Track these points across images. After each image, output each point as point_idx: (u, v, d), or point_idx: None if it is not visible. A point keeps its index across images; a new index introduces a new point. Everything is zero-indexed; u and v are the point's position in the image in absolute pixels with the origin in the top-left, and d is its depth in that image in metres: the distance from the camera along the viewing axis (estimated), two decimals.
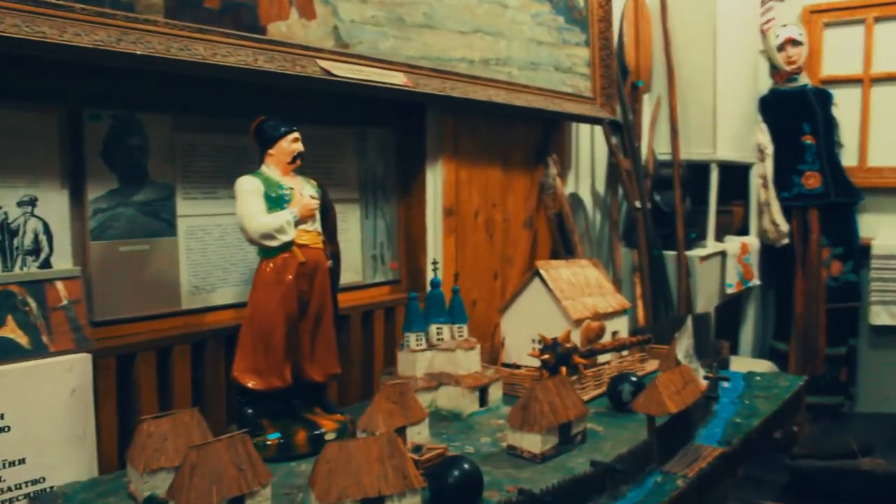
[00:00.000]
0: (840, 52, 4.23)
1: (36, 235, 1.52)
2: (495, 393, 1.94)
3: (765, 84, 4.07)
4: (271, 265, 1.59)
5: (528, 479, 1.43)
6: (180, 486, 1.19)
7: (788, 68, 4.00)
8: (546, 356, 1.96)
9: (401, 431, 1.55)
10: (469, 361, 1.91)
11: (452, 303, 2.00)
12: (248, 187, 1.58)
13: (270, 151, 1.64)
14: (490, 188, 2.60)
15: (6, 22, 1.28)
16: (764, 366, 3.39)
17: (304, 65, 1.78)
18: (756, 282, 3.82)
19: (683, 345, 1.99)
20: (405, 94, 2.08)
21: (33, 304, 1.48)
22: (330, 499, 1.19)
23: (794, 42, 3.98)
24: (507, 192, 2.68)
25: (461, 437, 1.71)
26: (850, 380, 4.06)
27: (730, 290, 3.50)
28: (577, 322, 2.16)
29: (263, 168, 1.64)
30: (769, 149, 3.95)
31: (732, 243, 3.60)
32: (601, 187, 3.31)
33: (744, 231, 3.90)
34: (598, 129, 3.15)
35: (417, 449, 1.47)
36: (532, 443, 1.55)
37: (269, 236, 1.56)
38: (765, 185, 3.93)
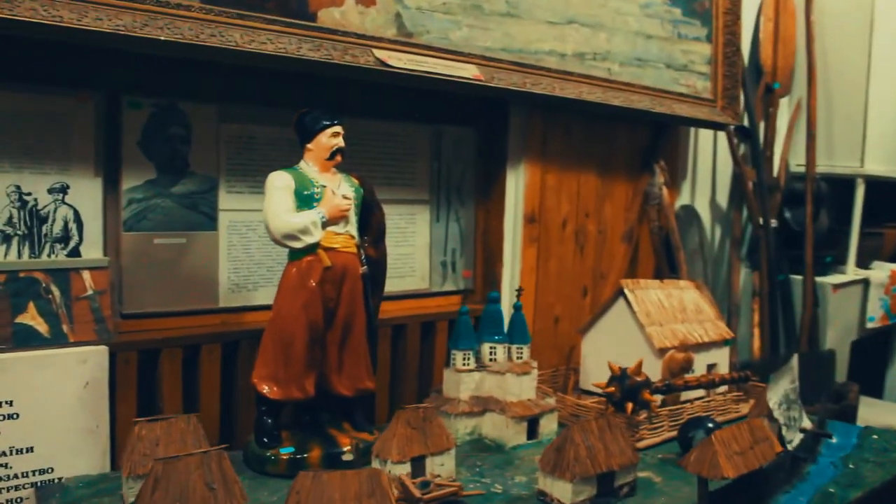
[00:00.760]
0: None
1: (66, 223, 1.50)
2: (548, 424, 1.73)
3: None
4: (295, 269, 1.49)
5: None
6: (141, 502, 1.10)
7: None
8: (611, 388, 1.73)
9: (420, 461, 1.39)
10: (521, 387, 1.71)
11: (513, 320, 1.82)
12: (279, 183, 1.48)
13: (309, 146, 1.54)
14: (583, 195, 2.37)
15: (23, 5, 1.25)
16: None
17: (357, 54, 1.66)
18: None
19: (781, 388, 1.69)
20: (484, 91, 1.92)
21: (56, 293, 1.46)
22: None
23: None
24: (604, 201, 2.44)
25: (494, 473, 1.53)
26: None
27: (871, 325, 3.03)
28: (661, 351, 1.91)
29: (301, 163, 1.54)
30: None
31: (879, 271, 3.11)
32: (723, 200, 2.97)
33: None
34: (723, 134, 2.82)
35: (426, 485, 1.31)
36: (563, 492, 1.34)
37: (293, 237, 1.46)
38: None
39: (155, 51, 1.42)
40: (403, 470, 1.35)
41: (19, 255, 1.46)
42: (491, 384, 1.73)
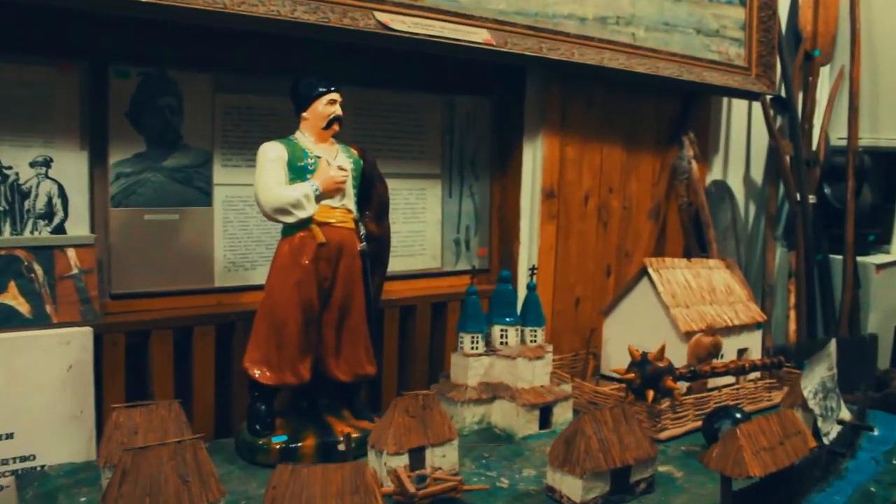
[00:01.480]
0: None
1: (50, 198, 1.42)
2: (563, 413, 1.62)
3: None
4: (288, 246, 1.39)
5: None
6: (108, 495, 1.02)
7: None
8: (630, 375, 1.61)
9: (419, 452, 1.29)
10: (533, 372, 1.61)
11: (527, 301, 1.71)
12: (271, 155, 1.38)
13: (304, 114, 1.44)
14: (607, 169, 2.24)
15: None
16: None
17: (357, 17, 1.55)
18: None
19: (817, 376, 1.56)
20: (498, 58, 1.80)
21: (39, 271, 1.39)
22: None
23: None
24: (630, 175, 2.30)
25: (501, 465, 1.42)
26: None
27: None
28: (687, 335, 1.79)
29: (297, 133, 1.44)
30: None
31: None
32: (758, 176, 2.80)
33: None
34: (757, 105, 2.66)
35: (421, 479, 1.21)
36: (572, 488, 1.23)
37: (284, 211, 1.36)
38: None
39: (139, 13, 1.33)
40: (401, 462, 1.26)
41: (0, 231, 1.39)
42: (501, 369, 1.62)
